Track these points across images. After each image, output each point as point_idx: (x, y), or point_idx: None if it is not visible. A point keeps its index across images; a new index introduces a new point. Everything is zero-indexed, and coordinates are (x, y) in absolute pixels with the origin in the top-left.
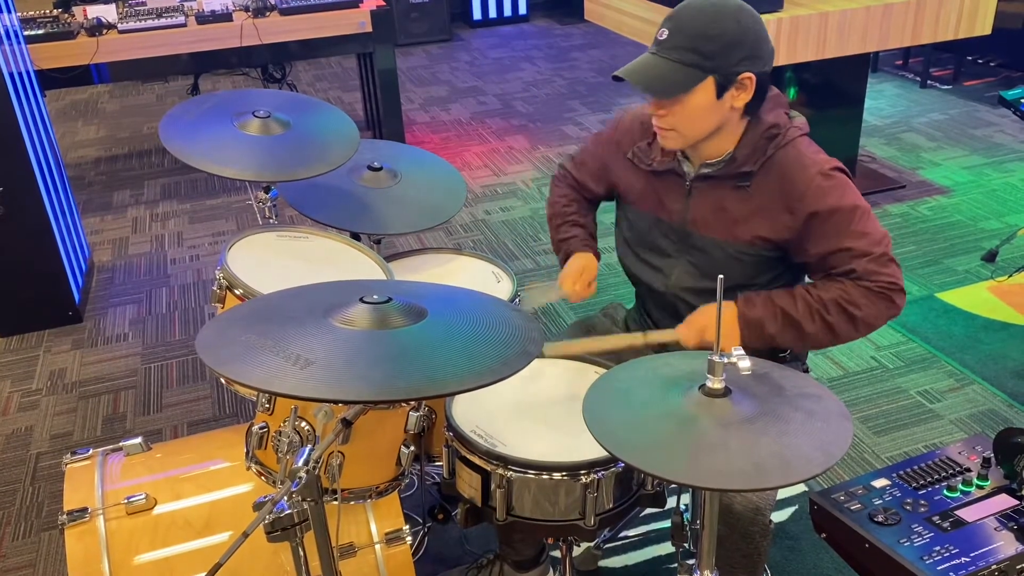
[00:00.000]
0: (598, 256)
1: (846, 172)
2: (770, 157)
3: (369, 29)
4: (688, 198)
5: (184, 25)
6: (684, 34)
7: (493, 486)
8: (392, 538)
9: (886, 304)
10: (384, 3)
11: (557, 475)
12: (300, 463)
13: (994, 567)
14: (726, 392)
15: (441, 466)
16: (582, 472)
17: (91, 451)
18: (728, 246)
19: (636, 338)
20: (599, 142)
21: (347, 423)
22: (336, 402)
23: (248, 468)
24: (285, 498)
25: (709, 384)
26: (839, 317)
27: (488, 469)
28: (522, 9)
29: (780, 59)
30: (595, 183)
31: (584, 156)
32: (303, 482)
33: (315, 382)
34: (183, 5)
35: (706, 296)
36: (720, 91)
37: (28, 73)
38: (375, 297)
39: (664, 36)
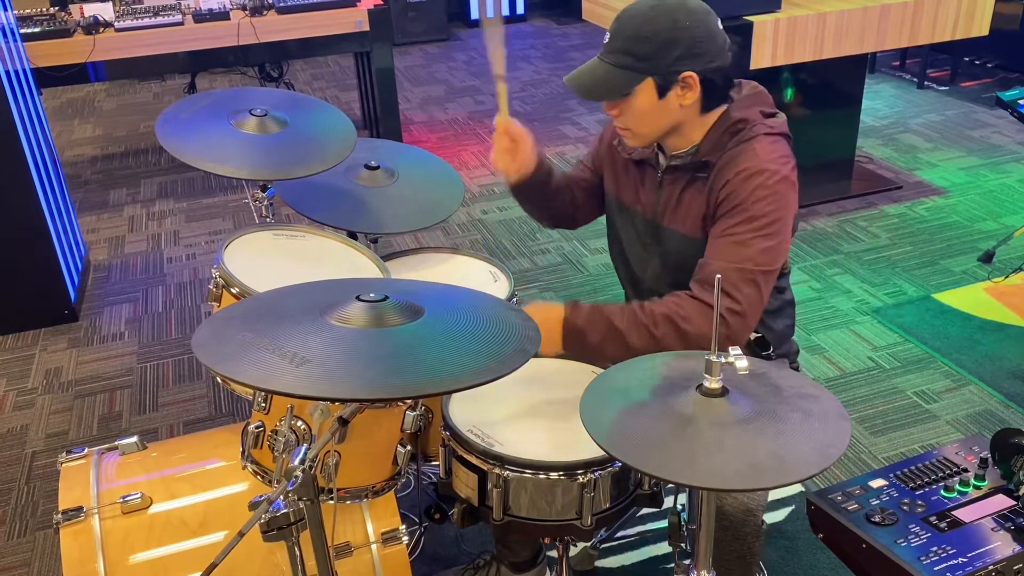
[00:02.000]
0: (541, 160)
1: (790, 181)
2: (728, 151)
3: (366, 28)
4: (659, 189)
5: (181, 23)
6: (621, 37)
7: (490, 486)
8: (388, 538)
9: (721, 326)
10: (381, 2)
11: (554, 475)
12: (296, 462)
13: (991, 567)
14: (723, 392)
15: (438, 466)
16: (579, 472)
17: (86, 450)
18: (687, 239)
19: None
20: (599, 137)
21: (343, 422)
22: (332, 400)
23: (244, 467)
24: (281, 497)
25: (706, 384)
26: (667, 331)
27: (485, 469)
28: (520, 9)
29: (778, 59)
30: (588, 171)
31: (587, 154)
32: (299, 481)
33: (311, 380)
34: (180, 3)
35: (679, 289)
36: (661, 92)
37: (24, 71)
38: (372, 295)
39: (606, 39)
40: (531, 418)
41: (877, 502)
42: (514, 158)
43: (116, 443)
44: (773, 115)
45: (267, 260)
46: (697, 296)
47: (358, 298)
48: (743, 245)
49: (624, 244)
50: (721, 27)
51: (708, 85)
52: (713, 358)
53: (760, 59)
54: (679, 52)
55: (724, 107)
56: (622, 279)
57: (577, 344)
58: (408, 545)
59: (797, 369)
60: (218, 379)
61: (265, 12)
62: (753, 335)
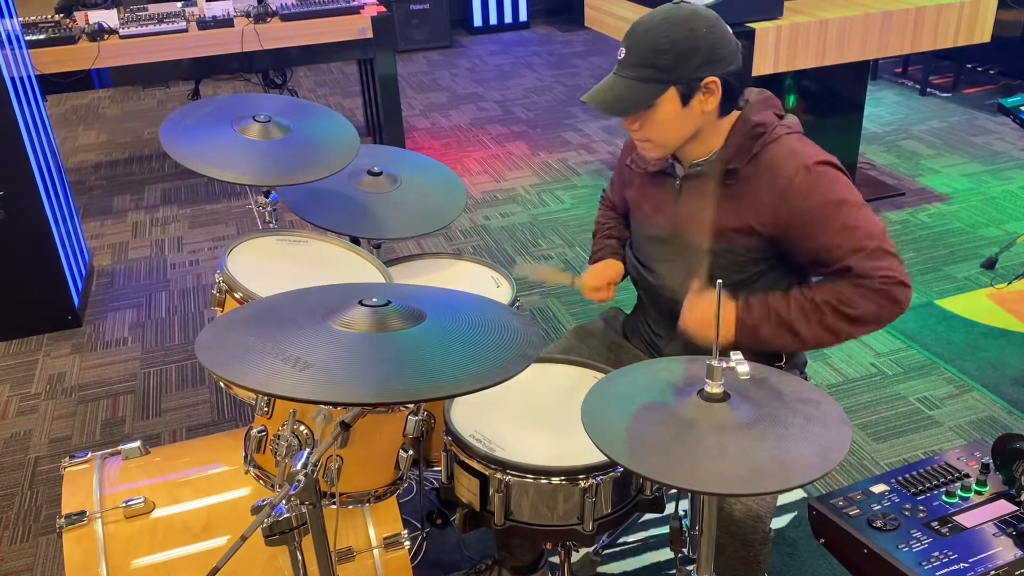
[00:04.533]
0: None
1: (837, 166)
2: (756, 155)
3: (370, 35)
4: (678, 197)
5: (185, 30)
6: (638, 51)
7: (491, 491)
8: (390, 543)
9: (887, 300)
10: (385, 9)
11: (555, 479)
12: (298, 467)
13: (992, 572)
14: (725, 397)
15: (439, 471)
16: (580, 477)
17: (89, 455)
18: (717, 245)
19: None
20: (620, 158)
21: (345, 426)
22: (334, 404)
23: (246, 472)
24: (283, 502)
25: (708, 389)
26: (835, 319)
27: (486, 473)
28: (523, 16)
29: (780, 66)
30: (620, 199)
31: (614, 175)
32: (301, 486)
33: (314, 384)
34: (184, 10)
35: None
36: (685, 99)
37: (29, 78)
38: (374, 300)
39: (622, 55)
40: (533, 423)
41: (879, 507)
42: (610, 294)
43: (119, 448)
44: (782, 117)
45: (270, 265)
46: (854, 282)
47: (361, 303)
48: (853, 228)
49: (641, 254)
50: (731, 31)
51: (728, 88)
52: (714, 363)
53: (762, 66)
54: (700, 60)
55: (738, 113)
56: (636, 285)
57: (751, 338)
58: (410, 550)
59: (806, 379)
60: (221, 383)
61: (269, 19)
62: None
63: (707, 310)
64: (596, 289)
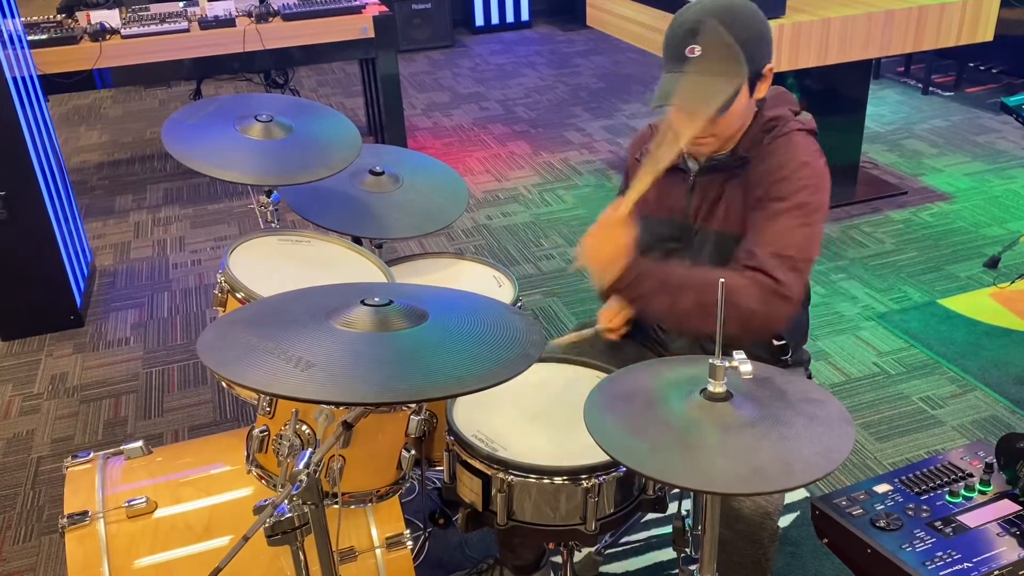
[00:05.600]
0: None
1: (826, 175)
2: (765, 147)
3: (371, 35)
4: (691, 193)
5: (187, 30)
6: (720, 46)
7: (494, 490)
8: (393, 543)
9: (762, 302)
10: (386, 9)
11: (558, 479)
12: (301, 466)
13: (996, 572)
14: (727, 396)
15: (442, 471)
16: (583, 476)
17: (92, 454)
18: (726, 236)
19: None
20: (628, 164)
21: (348, 426)
22: (337, 404)
23: (249, 472)
24: (286, 502)
25: (710, 388)
26: (713, 299)
27: (489, 473)
28: (524, 15)
29: (782, 65)
30: None
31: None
32: (304, 485)
33: (316, 384)
34: (186, 10)
35: None
36: (752, 88)
37: (31, 78)
38: (376, 300)
39: (698, 52)
40: (535, 423)
41: (882, 507)
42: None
43: (121, 448)
44: (798, 113)
45: (272, 265)
46: (744, 271)
47: (363, 302)
48: (785, 232)
49: (649, 251)
50: None
51: (775, 75)
52: (717, 362)
53: None
54: (764, 47)
55: (756, 110)
56: None
57: (633, 285)
58: (412, 550)
59: (810, 377)
60: (223, 383)
61: (270, 19)
62: (776, 341)
63: (608, 246)
64: (612, 324)
